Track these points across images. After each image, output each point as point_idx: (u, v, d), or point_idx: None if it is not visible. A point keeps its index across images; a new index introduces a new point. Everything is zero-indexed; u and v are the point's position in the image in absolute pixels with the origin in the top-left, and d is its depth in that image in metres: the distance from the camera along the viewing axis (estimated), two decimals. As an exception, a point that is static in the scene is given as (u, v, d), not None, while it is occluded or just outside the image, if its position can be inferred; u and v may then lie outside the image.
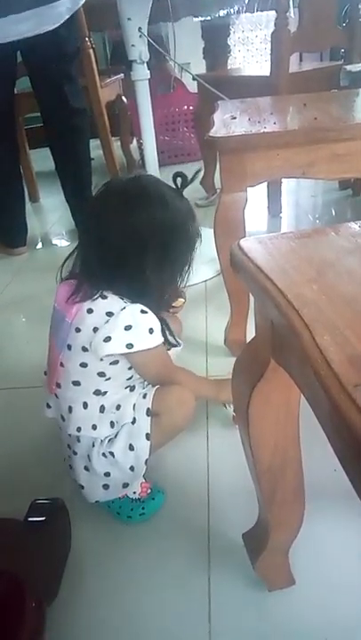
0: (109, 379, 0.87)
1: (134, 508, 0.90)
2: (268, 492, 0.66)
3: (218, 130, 1.07)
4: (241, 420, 0.62)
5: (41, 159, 2.44)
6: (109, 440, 0.88)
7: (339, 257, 0.50)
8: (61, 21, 1.59)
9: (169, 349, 1.00)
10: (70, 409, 0.89)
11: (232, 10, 2.36)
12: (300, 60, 2.49)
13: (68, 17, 1.60)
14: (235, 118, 1.17)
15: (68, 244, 2.17)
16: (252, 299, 0.52)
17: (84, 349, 0.84)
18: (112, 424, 0.88)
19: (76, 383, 0.87)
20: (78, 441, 0.89)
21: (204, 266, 1.60)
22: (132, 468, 0.87)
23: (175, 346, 1.00)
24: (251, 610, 0.75)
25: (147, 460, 0.88)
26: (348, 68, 1.78)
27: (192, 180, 0.90)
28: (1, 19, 1.47)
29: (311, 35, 1.78)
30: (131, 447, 0.87)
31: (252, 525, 0.79)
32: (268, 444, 0.61)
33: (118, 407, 0.89)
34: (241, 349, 0.62)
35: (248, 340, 0.58)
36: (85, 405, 0.88)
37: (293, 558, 0.76)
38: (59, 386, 0.90)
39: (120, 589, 0.81)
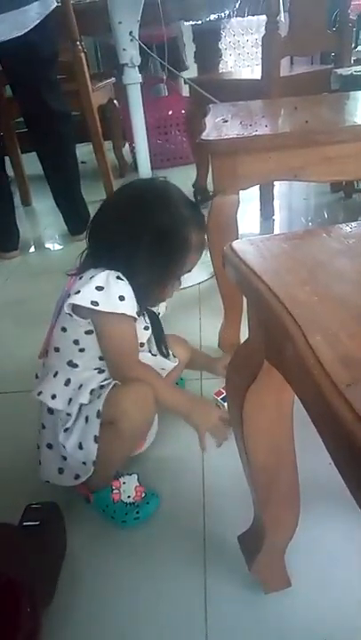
0: (83, 350, 0.89)
1: (128, 512, 0.90)
2: (262, 493, 0.66)
3: (210, 133, 1.07)
4: (235, 420, 0.62)
5: (33, 163, 2.43)
6: (65, 430, 0.89)
7: (330, 258, 0.50)
8: (31, 26, 1.59)
9: (155, 355, 1.00)
10: (45, 375, 0.92)
11: (223, 14, 2.37)
12: (292, 63, 2.51)
13: (38, 22, 1.60)
14: (226, 121, 1.18)
15: (61, 247, 2.16)
16: (245, 300, 0.53)
17: (69, 313, 0.86)
18: (69, 401, 0.89)
19: (57, 349, 0.91)
20: (51, 413, 0.90)
21: (197, 268, 1.60)
22: (84, 463, 0.88)
23: (165, 357, 1.00)
24: (247, 612, 0.75)
25: (95, 462, 0.87)
26: (339, 71, 1.79)
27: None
28: None
29: (302, 39, 1.79)
30: (80, 446, 0.88)
31: (247, 527, 0.79)
32: (263, 444, 0.61)
33: (80, 387, 0.90)
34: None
35: (242, 341, 0.59)
36: (56, 374, 0.91)
37: (289, 560, 0.76)
38: (46, 353, 0.94)
39: (115, 593, 0.81)
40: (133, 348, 0.90)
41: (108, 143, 2.67)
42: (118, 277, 0.83)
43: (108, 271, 0.84)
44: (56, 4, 1.69)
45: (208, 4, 2.35)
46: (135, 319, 0.86)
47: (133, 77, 1.52)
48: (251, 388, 0.55)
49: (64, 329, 0.88)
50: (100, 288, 0.82)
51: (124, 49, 1.45)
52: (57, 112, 1.86)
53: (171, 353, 1.03)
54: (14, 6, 1.54)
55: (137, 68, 1.51)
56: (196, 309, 1.53)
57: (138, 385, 0.87)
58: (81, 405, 0.88)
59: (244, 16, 2.54)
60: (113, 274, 0.83)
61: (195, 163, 2.33)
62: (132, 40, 1.45)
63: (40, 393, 0.90)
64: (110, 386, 0.88)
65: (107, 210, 0.89)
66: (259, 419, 0.60)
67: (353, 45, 2.00)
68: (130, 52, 1.47)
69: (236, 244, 0.53)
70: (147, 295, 0.89)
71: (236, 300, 1.22)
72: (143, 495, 0.92)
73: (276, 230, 2.10)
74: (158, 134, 2.94)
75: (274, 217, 2.14)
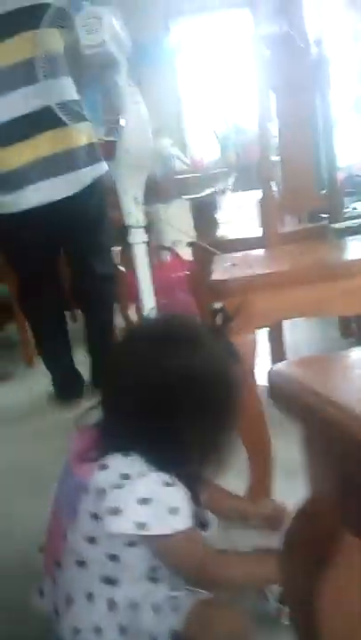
0: (125, 566, 0.68)
1: None
2: None
3: (220, 275, 1.04)
4: (302, 621, 0.43)
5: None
6: None
7: None
8: (80, 188, 1.69)
9: None
10: (69, 600, 0.69)
11: (217, 189, 2.61)
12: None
13: (89, 184, 1.70)
14: (235, 265, 1.16)
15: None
16: (275, 448, 0.39)
17: (94, 517, 0.67)
18: (122, 630, 0.67)
19: (81, 564, 0.69)
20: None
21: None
22: None
23: (203, 526, 0.81)
24: None
25: None
26: (335, 226, 1.88)
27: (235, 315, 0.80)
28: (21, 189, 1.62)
29: (294, 202, 1.92)
30: None
31: None
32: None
33: (135, 607, 0.68)
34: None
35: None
36: (90, 597, 0.68)
37: None
38: (58, 565, 0.71)
39: None
40: (199, 550, 0.71)
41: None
42: (166, 483, 0.66)
43: (151, 474, 0.66)
44: (106, 168, 1.76)
45: (202, 182, 2.62)
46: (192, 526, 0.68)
47: (139, 237, 1.58)
48: (325, 574, 0.38)
49: (92, 540, 0.68)
50: (144, 501, 0.64)
51: (129, 212, 1.53)
52: (103, 274, 1.91)
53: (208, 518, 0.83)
54: (69, 169, 1.66)
55: (143, 229, 1.57)
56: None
57: (233, 614, 0.71)
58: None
59: (237, 191, 2.80)
60: (160, 479, 0.66)
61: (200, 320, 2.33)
62: (136, 204, 1.53)
63: (77, 631, 0.67)
64: (189, 603, 0.69)
65: (122, 368, 0.70)
66: (339, 615, 0.41)
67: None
68: (135, 215, 1.54)
69: (282, 366, 0.41)
70: (202, 469, 0.72)
71: (263, 448, 1.05)
72: None
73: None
74: (164, 296, 3.03)
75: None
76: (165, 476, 0.66)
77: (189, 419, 0.66)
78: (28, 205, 1.64)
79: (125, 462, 0.67)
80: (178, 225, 3.26)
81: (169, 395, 0.66)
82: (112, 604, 0.68)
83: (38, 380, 2.14)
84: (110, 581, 0.69)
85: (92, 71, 1.46)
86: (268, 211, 1.83)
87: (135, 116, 1.42)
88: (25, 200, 1.64)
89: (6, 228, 1.75)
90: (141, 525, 0.63)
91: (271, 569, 0.73)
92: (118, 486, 0.65)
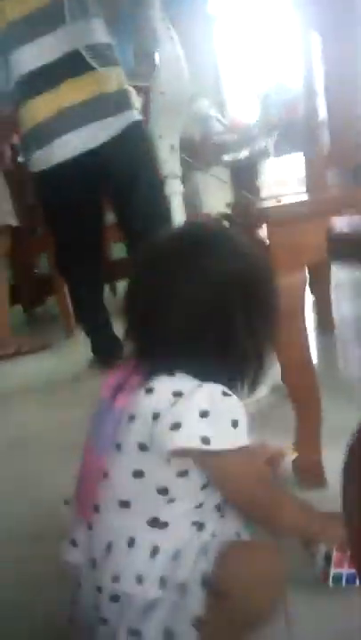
0: (174, 500, 0.63)
1: None
2: None
3: (264, 204, 0.94)
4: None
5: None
6: (145, 610, 0.59)
7: None
8: (112, 136, 1.57)
9: None
10: (109, 546, 0.63)
11: (256, 148, 2.48)
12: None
13: (121, 132, 1.58)
14: (280, 201, 1.05)
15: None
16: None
17: (142, 447, 0.62)
18: (162, 582, 0.61)
19: (125, 504, 0.64)
20: (116, 600, 0.61)
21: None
22: None
23: None
24: None
25: None
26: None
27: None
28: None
29: (340, 155, 1.78)
30: (168, 634, 0.58)
31: None
32: None
33: (177, 555, 0.62)
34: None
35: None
36: (132, 542, 0.63)
37: None
38: (96, 509, 0.65)
39: None
40: (261, 472, 0.72)
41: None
42: (224, 393, 0.62)
43: (207, 386, 0.62)
44: (139, 117, 1.61)
45: (241, 142, 2.49)
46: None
47: (176, 187, 1.50)
48: None
49: (139, 473, 0.63)
50: (205, 413, 0.60)
51: (165, 160, 1.44)
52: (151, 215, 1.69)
53: None
54: (99, 117, 1.56)
55: (179, 178, 1.49)
56: (256, 435, 1.23)
57: (265, 551, 0.67)
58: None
59: (278, 156, 2.65)
60: (217, 390, 0.62)
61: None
62: (172, 153, 1.44)
63: (116, 579, 0.61)
64: (216, 543, 0.64)
65: (156, 280, 0.65)
66: None
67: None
68: (171, 164, 1.46)
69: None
70: (258, 376, 0.68)
71: (312, 404, 0.96)
72: None
73: (339, 347, 1.87)
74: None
75: (336, 330, 1.92)
76: (221, 387, 0.63)
77: (238, 321, 0.63)
78: (60, 159, 1.57)
79: (174, 381, 0.63)
80: (216, 194, 3.16)
81: (216, 300, 0.63)
82: (155, 551, 0.62)
83: (78, 350, 2.13)
84: (159, 524, 0.63)
85: (123, 9, 1.38)
86: (314, 164, 1.70)
87: (170, 54, 1.32)
88: (58, 152, 1.57)
89: (43, 184, 1.69)
90: (205, 440, 0.59)
91: (314, 522, 0.69)
92: (174, 403, 0.61)
